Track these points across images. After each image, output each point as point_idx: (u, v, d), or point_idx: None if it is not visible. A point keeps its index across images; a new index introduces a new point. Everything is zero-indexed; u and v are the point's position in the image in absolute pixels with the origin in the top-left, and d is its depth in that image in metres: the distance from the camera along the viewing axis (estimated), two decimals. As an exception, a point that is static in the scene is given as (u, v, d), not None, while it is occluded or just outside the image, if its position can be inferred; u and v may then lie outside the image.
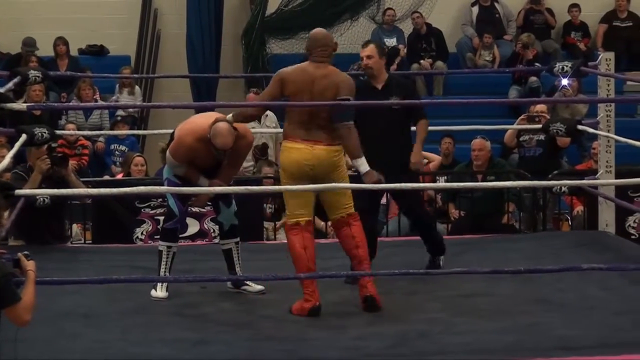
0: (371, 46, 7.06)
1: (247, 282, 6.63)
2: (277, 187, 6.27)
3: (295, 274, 6.21)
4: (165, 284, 6.49)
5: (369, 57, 7.00)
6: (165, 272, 6.57)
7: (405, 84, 7.30)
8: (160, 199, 8.48)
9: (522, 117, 10.68)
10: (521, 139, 10.26)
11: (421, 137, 7.15)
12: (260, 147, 11.05)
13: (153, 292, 6.49)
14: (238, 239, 6.75)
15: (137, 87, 13.02)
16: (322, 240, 7.66)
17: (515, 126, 10.33)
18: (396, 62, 13.78)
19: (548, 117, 10.38)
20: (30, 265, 4.58)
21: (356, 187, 6.29)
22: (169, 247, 6.60)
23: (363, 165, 6.16)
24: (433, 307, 6.28)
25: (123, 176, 10.14)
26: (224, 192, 6.48)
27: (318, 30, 6.41)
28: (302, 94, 6.18)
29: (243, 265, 6.74)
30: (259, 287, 6.62)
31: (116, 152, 12.09)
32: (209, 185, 6.49)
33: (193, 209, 8.42)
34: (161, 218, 7.86)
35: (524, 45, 13.51)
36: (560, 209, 9.90)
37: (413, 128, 7.23)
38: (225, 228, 6.74)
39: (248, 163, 10.74)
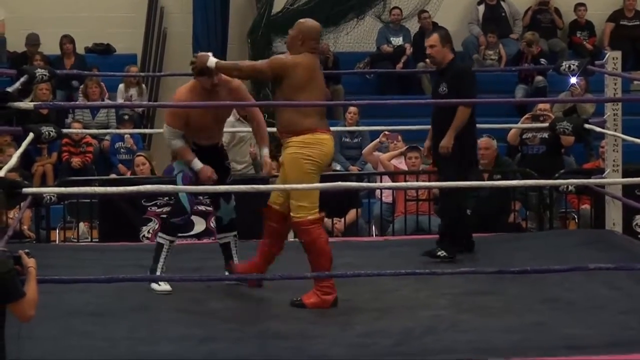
0: (434, 36, 7.36)
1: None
2: (281, 187, 6.24)
3: (301, 274, 6.21)
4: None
5: (431, 46, 7.29)
6: (162, 266, 6.54)
7: (459, 69, 7.36)
8: (167, 198, 8.47)
9: (526, 116, 10.67)
10: (524, 136, 10.24)
11: (455, 123, 7.20)
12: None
13: (156, 287, 6.46)
14: (236, 233, 6.72)
15: (144, 86, 13.01)
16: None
17: (519, 125, 10.32)
18: (402, 61, 13.78)
19: (552, 115, 10.37)
20: (31, 262, 4.59)
21: (364, 187, 6.29)
22: (171, 241, 6.59)
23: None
24: (439, 304, 6.27)
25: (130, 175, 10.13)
26: (228, 191, 6.48)
27: (313, 21, 6.30)
28: (316, 81, 6.18)
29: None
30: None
31: (121, 150, 12.07)
32: (202, 170, 6.43)
33: (199, 208, 8.42)
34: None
35: (528, 43, 13.47)
36: (566, 207, 9.87)
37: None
38: (224, 222, 6.71)
39: (245, 164, 10.55)
